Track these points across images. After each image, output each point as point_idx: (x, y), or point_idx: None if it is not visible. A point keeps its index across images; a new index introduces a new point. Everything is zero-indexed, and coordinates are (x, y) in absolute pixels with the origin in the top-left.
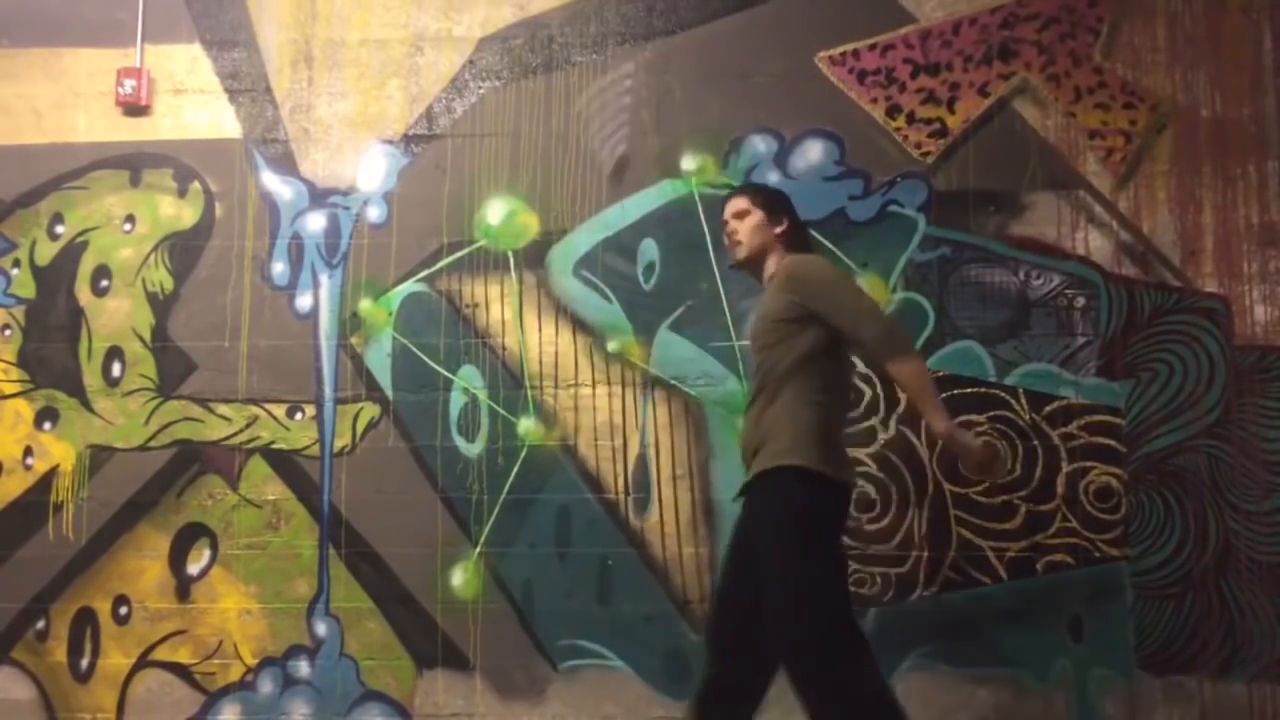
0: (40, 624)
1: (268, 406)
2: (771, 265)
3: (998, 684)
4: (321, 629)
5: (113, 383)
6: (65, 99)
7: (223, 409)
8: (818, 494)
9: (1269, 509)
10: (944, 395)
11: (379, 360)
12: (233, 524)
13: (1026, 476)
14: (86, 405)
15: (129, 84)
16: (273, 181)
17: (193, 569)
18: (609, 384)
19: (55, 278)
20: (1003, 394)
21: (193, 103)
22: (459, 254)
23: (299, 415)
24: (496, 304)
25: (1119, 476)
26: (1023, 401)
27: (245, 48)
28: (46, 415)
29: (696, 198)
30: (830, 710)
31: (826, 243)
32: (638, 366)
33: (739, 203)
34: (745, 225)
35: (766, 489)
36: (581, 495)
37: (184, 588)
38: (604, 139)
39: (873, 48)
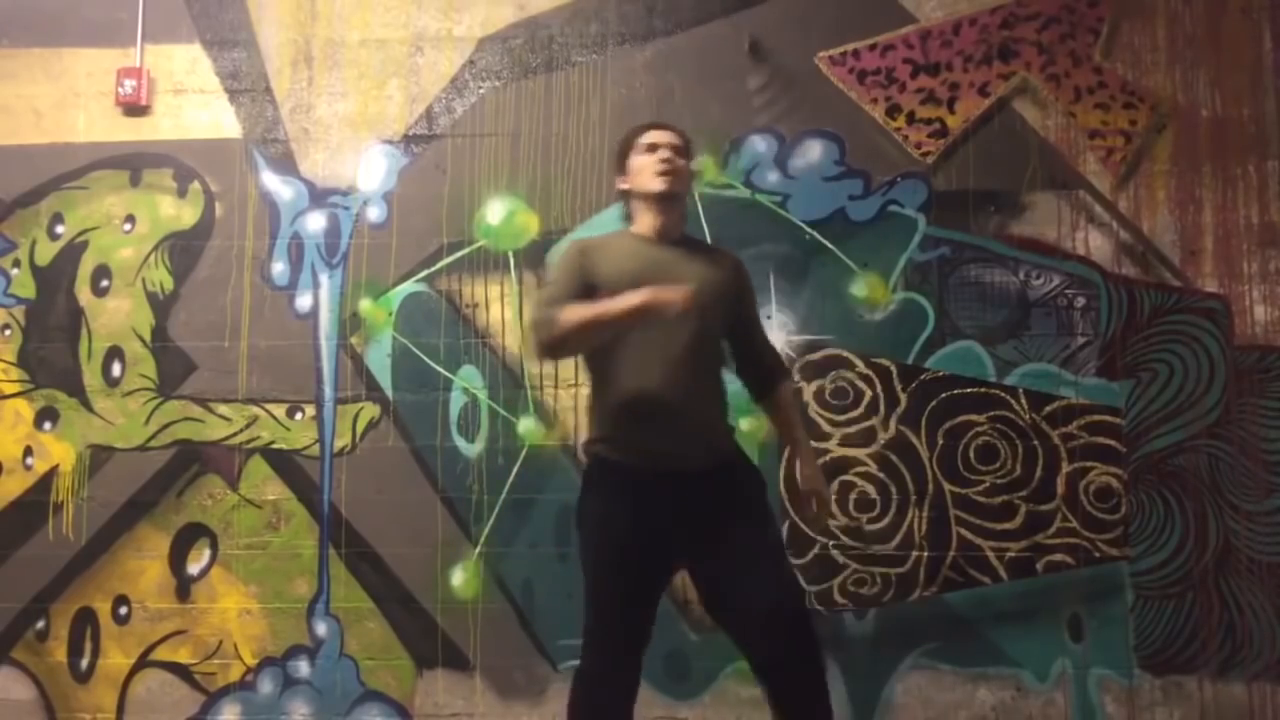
0: (40, 624)
1: (268, 406)
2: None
3: (998, 684)
4: (321, 629)
5: (113, 383)
6: (65, 99)
7: (223, 409)
8: None
9: (1269, 509)
10: (944, 395)
11: (379, 360)
12: (233, 524)
13: (1026, 476)
14: (86, 405)
15: (129, 84)
16: (273, 181)
17: (193, 569)
18: None
19: (55, 278)
20: (1003, 394)
21: (193, 103)
22: (459, 254)
23: (299, 415)
24: (496, 304)
25: (1119, 476)
26: (1023, 401)
27: (245, 48)
28: (46, 415)
29: (696, 198)
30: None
31: (826, 242)
32: None
33: (679, 141)
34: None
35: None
36: None
37: (184, 588)
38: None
39: (873, 48)
